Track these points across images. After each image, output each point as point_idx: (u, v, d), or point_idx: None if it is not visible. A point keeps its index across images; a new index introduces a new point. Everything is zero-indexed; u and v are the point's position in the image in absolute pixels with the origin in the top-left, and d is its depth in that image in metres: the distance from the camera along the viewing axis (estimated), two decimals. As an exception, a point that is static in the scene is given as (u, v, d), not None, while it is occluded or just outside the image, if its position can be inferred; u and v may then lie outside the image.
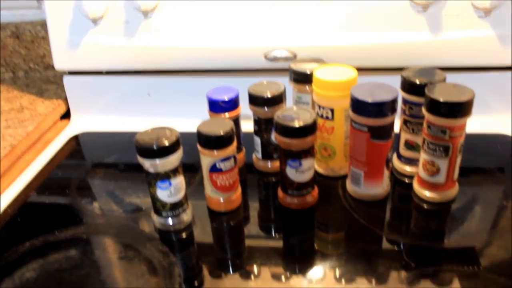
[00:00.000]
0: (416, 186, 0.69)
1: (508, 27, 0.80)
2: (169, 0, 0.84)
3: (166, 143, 0.59)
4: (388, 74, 0.83)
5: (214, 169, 0.64)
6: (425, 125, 0.65)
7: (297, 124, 0.61)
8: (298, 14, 0.82)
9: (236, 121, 0.74)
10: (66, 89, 0.97)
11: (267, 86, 0.72)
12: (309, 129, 0.62)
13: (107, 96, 0.95)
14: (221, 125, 0.63)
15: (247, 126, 0.77)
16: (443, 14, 0.80)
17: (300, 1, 0.81)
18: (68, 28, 0.89)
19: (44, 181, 0.80)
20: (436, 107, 0.62)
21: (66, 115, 0.99)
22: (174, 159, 0.61)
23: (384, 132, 0.64)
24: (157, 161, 0.60)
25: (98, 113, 0.96)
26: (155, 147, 0.59)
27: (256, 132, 0.74)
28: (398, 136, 0.72)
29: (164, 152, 0.60)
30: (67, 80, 0.96)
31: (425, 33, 0.81)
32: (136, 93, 0.94)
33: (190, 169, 0.75)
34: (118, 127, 0.93)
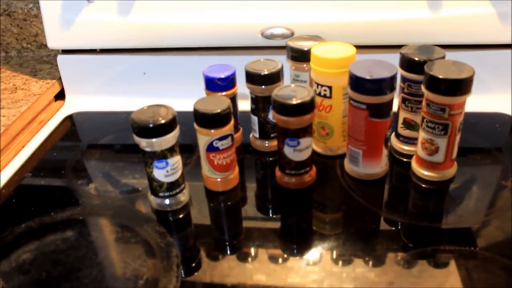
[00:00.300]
0: (414, 165, 0.69)
1: (508, 3, 0.79)
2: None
3: (163, 121, 0.58)
4: (387, 52, 0.82)
5: (211, 148, 0.64)
6: (424, 103, 0.64)
7: (294, 101, 0.60)
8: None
9: (233, 99, 0.73)
10: (60, 68, 0.95)
11: (264, 64, 0.71)
12: (307, 107, 0.61)
13: (102, 75, 0.94)
14: (218, 102, 0.63)
15: (245, 105, 0.76)
16: (443, -10, 0.79)
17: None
18: (61, 6, 0.88)
19: (39, 162, 0.79)
20: (435, 84, 0.61)
21: (61, 96, 0.98)
22: (170, 138, 0.60)
23: (383, 110, 0.63)
24: (154, 139, 0.59)
25: (93, 93, 0.95)
26: (151, 126, 0.58)
27: (254, 110, 0.73)
28: (396, 115, 0.72)
29: (160, 130, 0.59)
30: (61, 59, 0.94)
31: (424, 10, 0.80)
32: (132, 72, 0.93)
33: (187, 149, 0.75)
34: (114, 107, 0.92)
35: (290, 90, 0.63)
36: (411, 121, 0.71)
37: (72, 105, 0.95)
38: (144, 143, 0.60)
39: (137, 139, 0.60)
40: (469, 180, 0.69)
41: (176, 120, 0.60)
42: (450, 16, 0.80)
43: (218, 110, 0.61)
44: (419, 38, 0.80)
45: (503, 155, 0.74)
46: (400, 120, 0.72)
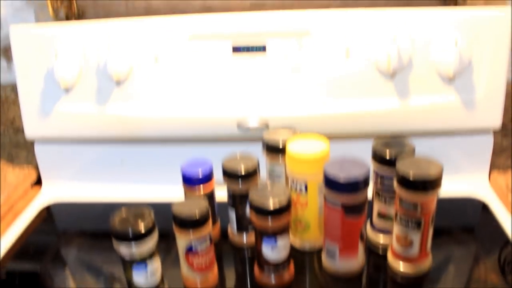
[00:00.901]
0: (390, 258, 0.70)
1: (472, 92, 0.83)
2: (142, 70, 0.85)
3: (142, 229, 0.59)
4: (360, 140, 0.85)
5: (190, 250, 0.64)
6: (397, 199, 0.66)
7: (271, 205, 0.61)
8: (269, 85, 0.84)
9: (211, 194, 0.74)
10: (37, 157, 0.95)
11: (241, 160, 0.73)
12: (284, 209, 0.62)
13: (79, 163, 0.94)
14: (196, 206, 0.63)
15: (222, 192, 0.76)
16: (410, 81, 0.82)
17: (271, 73, 0.83)
18: (39, 96, 0.89)
19: (14, 256, 0.78)
20: (406, 183, 0.63)
21: (38, 180, 0.98)
22: (150, 244, 0.60)
23: (358, 208, 0.65)
24: (133, 247, 0.59)
25: (70, 180, 0.95)
26: (130, 234, 0.59)
27: (231, 205, 0.74)
28: (371, 205, 0.73)
29: (140, 237, 0.59)
30: (38, 148, 0.95)
31: (394, 100, 0.83)
32: (109, 160, 0.93)
33: (166, 238, 0.74)
34: (91, 194, 0.92)
35: (267, 191, 0.64)
36: (385, 213, 0.72)
37: (49, 193, 0.95)
38: (123, 251, 0.60)
39: (116, 245, 0.60)
40: (444, 268, 0.71)
41: (155, 225, 0.61)
42: (419, 106, 0.83)
43: (197, 215, 0.62)
44: (390, 127, 0.83)
45: (475, 239, 0.76)
46: (375, 212, 0.74)
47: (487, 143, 0.88)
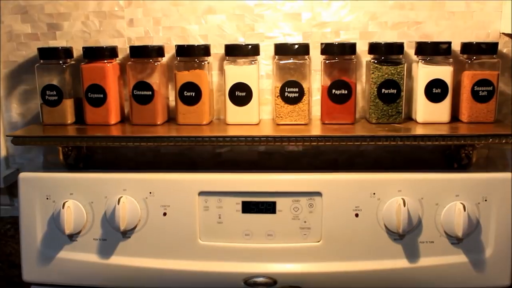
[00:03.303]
0: None
1: (481, 251, 0.83)
2: (149, 222, 0.84)
3: None
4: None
5: None
6: None
7: None
8: (278, 242, 0.83)
9: None
10: (32, 300, 0.92)
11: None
12: None
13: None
14: None
15: None
16: (419, 242, 0.83)
17: (280, 230, 0.83)
18: (41, 242, 0.87)
19: None
20: None
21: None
22: None
23: None
24: None
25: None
26: None
27: None
28: None
29: None
30: (34, 290, 0.92)
31: (402, 259, 0.83)
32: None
33: None
34: None
35: None
36: None
37: None
38: None
39: None
40: None
41: None
42: (428, 266, 0.83)
43: None
44: (399, 286, 0.82)
45: None
46: None
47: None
